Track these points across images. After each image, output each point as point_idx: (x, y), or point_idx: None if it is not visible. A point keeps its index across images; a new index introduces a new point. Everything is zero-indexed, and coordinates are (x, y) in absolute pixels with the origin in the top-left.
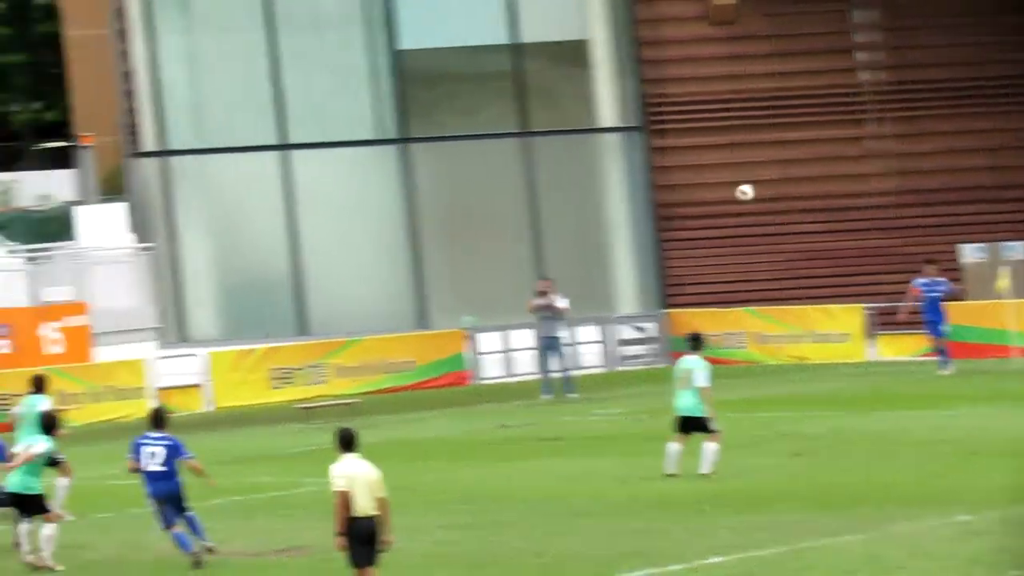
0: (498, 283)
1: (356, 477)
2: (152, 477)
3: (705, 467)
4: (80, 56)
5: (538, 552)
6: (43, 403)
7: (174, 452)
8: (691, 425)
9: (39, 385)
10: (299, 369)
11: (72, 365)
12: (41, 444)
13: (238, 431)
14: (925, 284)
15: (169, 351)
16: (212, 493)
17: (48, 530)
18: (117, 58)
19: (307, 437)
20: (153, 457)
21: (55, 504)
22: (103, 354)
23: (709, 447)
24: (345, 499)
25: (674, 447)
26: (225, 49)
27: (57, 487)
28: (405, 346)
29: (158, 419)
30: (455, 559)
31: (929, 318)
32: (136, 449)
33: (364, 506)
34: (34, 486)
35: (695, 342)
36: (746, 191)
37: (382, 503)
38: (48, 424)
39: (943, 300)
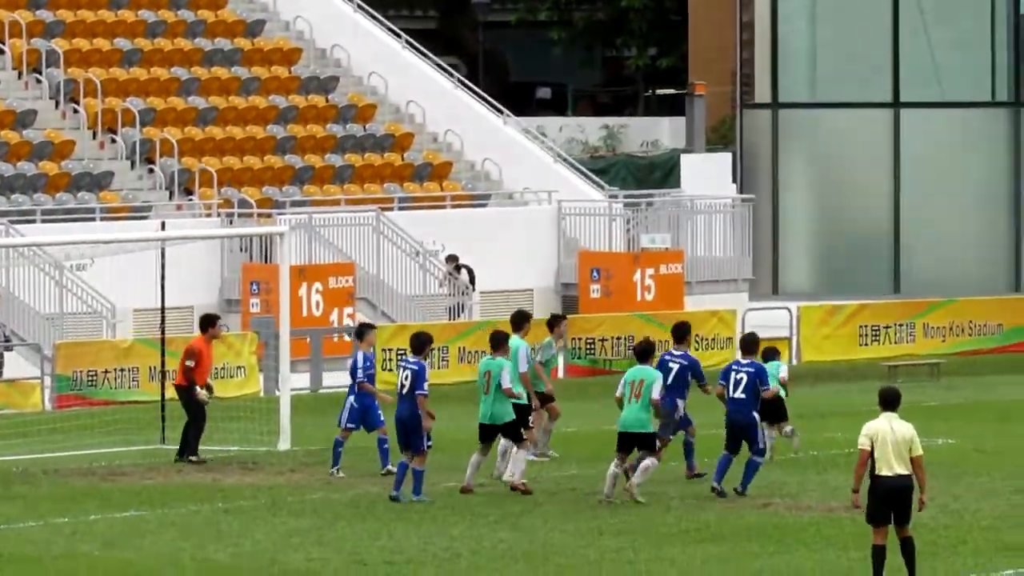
0: None
1: (880, 435)
2: (733, 404)
3: None
4: (701, 4)
5: None
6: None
7: (756, 378)
8: None
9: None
10: (887, 327)
11: (661, 312)
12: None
13: (822, 386)
14: None
15: (759, 303)
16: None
17: (647, 462)
18: (737, 8)
19: None
20: (738, 385)
21: None
22: (693, 303)
23: None
24: (863, 457)
25: None
26: (846, 5)
27: None
28: (993, 309)
29: (748, 344)
30: None
31: None
32: (726, 374)
33: (889, 465)
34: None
35: None
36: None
37: (917, 461)
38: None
39: None
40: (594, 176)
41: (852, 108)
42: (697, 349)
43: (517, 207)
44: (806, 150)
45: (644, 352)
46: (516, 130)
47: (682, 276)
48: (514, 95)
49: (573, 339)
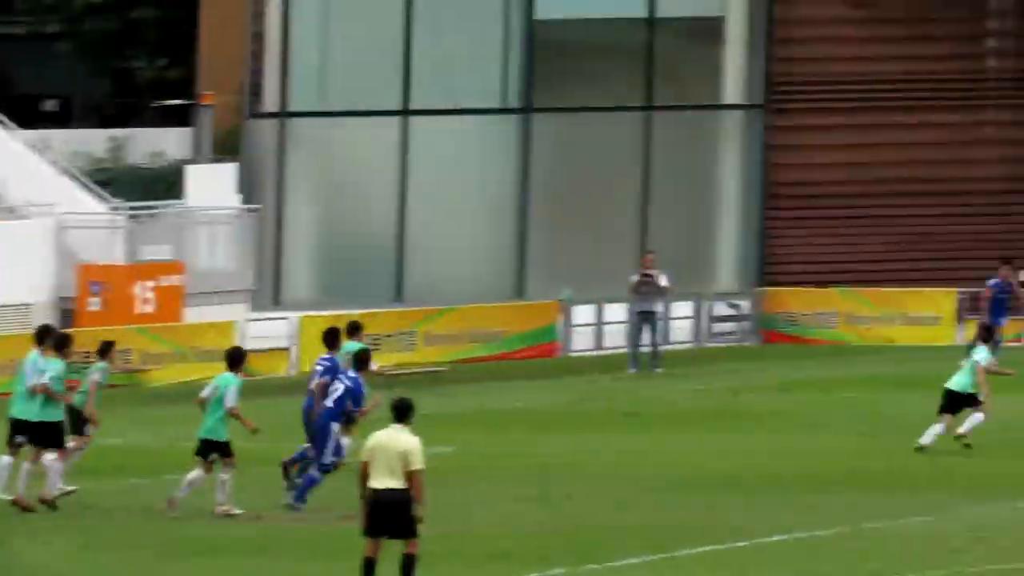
0: (601, 256)
1: (380, 448)
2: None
3: None
4: (212, 15)
5: (603, 525)
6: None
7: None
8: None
9: (352, 331)
10: (390, 336)
11: (159, 325)
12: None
13: None
14: (995, 284)
15: (260, 314)
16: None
17: (225, 474)
18: (250, 18)
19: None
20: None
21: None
22: (194, 315)
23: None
24: (362, 469)
25: None
26: (359, 12)
27: None
28: (497, 316)
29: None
30: (521, 530)
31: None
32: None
33: (381, 478)
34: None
35: None
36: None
37: (414, 476)
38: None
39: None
40: (97, 189)
41: (361, 116)
42: (197, 361)
43: (15, 221)
44: (313, 159)
45: (232, 359)
46: (20, 143)
47: (182, 288)
48: (20, 108)
49: None
